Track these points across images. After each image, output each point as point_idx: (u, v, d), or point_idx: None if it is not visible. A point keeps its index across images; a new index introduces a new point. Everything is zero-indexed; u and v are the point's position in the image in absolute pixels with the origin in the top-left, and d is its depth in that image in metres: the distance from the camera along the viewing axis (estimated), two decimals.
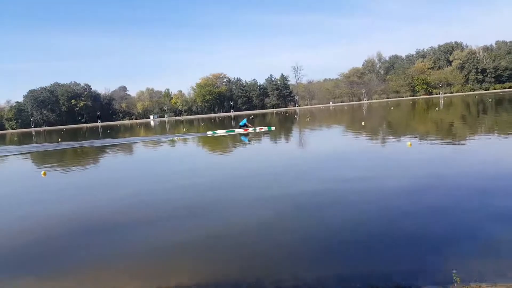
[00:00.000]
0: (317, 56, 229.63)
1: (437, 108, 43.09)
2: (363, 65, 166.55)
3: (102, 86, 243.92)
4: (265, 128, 27.41)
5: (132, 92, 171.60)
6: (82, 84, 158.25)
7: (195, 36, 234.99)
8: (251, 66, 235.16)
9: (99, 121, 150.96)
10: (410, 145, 13.03)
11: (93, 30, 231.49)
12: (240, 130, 27.19)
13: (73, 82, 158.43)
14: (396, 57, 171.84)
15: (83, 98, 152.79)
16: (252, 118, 33.17)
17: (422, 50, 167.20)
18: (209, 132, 28.20)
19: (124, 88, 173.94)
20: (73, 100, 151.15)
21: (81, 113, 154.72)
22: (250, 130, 26.87)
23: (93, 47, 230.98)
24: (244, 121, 28.52)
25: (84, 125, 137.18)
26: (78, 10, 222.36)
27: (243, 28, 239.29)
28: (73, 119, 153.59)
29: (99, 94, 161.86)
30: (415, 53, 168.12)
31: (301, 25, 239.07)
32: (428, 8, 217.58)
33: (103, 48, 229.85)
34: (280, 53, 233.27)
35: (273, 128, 27.90)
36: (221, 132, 27.45)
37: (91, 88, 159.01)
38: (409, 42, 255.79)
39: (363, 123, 26.54)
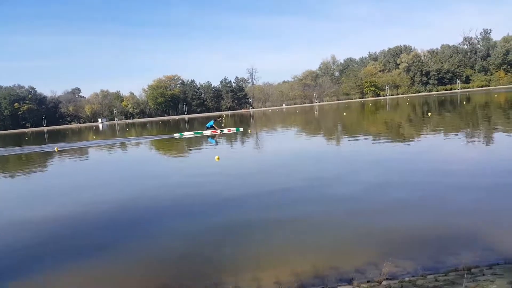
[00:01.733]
0: (274, 59, 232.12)
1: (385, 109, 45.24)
2: (319, 67, 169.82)
3: (52, 89, 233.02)
4: (233, 130, 27.25)
5: (86, 94, 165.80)
6: (26, 87, 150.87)
7: (152, 37, 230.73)
8: (206, 68, 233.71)
9: (44, 125, 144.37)
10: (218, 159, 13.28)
11: (45, 28, 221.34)
12: (208, 132, 26.82)
13: (16, 85, 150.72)
14: (350, 59, 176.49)
15: (27, 102, 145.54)
16: (220, 120, 32.79)
17: (374, 53, 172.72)
18: (176, 134, 27.74)
19: (78, 90, 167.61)
20: (16, 104, 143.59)
21: (25, 117, 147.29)
22: (218, 131, 26.61)
23: (42, 47, 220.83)
24: (211, 122, 28.01)
25: (29, 129, 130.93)
26: (31, 7, 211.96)
27: (200, 29, 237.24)
28: (17, 124, 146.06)
29: (45, 97, 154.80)
30: (367, 56, 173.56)
31: (259, 28, 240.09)
32: (385, 12, 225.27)
33: (55, 48, 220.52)
34: (237, 55, 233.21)
35: (241, 129, 27.61)
36: (188, 134, 27.03)
37: (36, 91, 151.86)
38: (365, 45, 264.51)
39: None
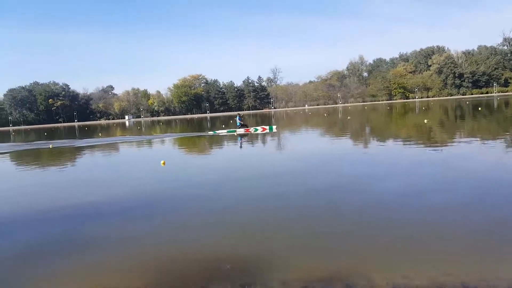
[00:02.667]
0: (299, 59, 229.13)
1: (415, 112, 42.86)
2: (347, 68, 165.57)
3: (84, 86, 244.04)
4: (267, 128, 26.75)
5: (119, 91, 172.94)
6: (60, 84, 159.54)
7: (182, 36, 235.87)
8: (230, 67, 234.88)
9: (76, 120, 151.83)
10: None
11: (89, 27, 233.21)
12: (241, 130, 26.52)
13: (52, 82, 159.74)
14: (380, 60, 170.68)
15: (60, 98, 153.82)
16: (242, 116, 31.76)
17: (405, 53, 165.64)
18: (209, 132, 28.10)
19: (110, 88, 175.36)
20: (50, 100, 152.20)
21: (58, 113, 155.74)
22: (251, 130, 26.25)
23: (81, 45, 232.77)
24: (238, 118, 28.14)
25: (61, 124, 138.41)
26: (75, 8, 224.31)
27: (226, 29, 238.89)
28: (51, 118, 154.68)
29: (77, 94, 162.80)
30: (398, 56, 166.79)
31: (284, 27, 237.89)
32: (417, 10, 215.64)
33: (93, 46, 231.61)
34: (261, 55, 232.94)
35: (274, 128, 27.09)
36: (222, 132, 27.20)
37: (69, 88, 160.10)
38: (396, 45, 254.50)
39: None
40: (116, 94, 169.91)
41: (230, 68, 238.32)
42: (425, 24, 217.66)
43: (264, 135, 23.28)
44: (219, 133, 26.80)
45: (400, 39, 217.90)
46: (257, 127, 26.95)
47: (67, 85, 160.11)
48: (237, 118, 28.36)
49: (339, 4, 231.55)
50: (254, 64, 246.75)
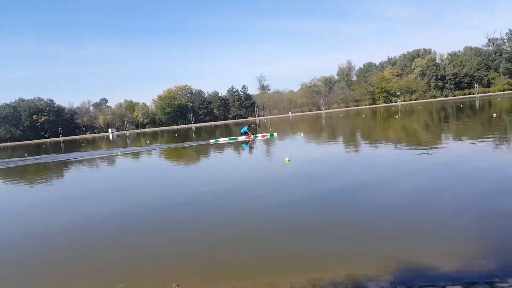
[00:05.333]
0: (288, 66, 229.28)
1: (397, 116, 42.52)
2: (337, 73, 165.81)
3: (69, 100, 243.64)
4: (267, 135, 27.89)
5: (112, 104, 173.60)
6: (45, 99, 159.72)
7: (170, 46, 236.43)
8: (218, 76, 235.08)
9: (61, 135, 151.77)
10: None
11: (86, 38, 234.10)
12: (242, 138, 27.60)
13: (36, 98, 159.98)
14: (370, 64, 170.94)
15: (45, 113, 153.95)
16: (253, 126, 33.47)
17: (394, 57, 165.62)
18: (211, 140, 29.00)
19: (104, 100, 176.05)
20: (34, 116, 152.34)
21: (43, 128, 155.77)
22: (252, 137, 27.20)
23: (72, 58, 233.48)
24: (245, 128, 28.76)
25: (47, 140, 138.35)
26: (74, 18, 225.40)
27: (215, 39, 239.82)
28: (37, 134, 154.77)
29: (63, 109, 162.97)
30: (387, 60, 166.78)
31: (270, 34, 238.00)
32: (408, 12, 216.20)
33: (85, 60, 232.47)
34: (247, 63, 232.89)
35: (275, 134, 28.07)
36: (223, 140, 28.20)
37: (54, 103, 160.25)
38: (386, 48, 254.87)
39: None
40: (110, 107, 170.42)
41: (217, 77, 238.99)
42: (416, 26, 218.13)
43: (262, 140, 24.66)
44: (221, 141, 27.80)
45: (390, 42, 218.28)
46: (257, 135, 28.08)
47: (52, 101, 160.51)
48: (245, 127, 28.99)
49: (329, 8, 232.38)
50: (241, 73, 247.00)
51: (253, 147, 21.12)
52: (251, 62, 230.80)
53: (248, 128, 28.53)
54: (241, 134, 28.23)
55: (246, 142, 24.55)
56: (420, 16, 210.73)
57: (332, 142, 20.02)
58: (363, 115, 54.95)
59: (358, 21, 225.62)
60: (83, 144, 55.85)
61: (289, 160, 13.08)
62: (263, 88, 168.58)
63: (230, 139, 28.07)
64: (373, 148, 15.46)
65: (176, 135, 54.74)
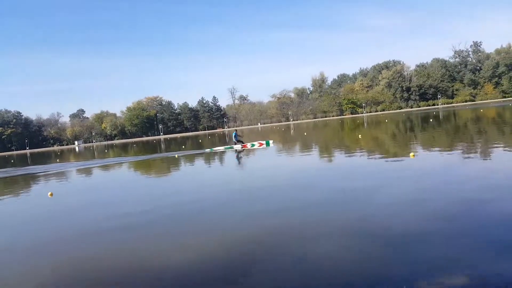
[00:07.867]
0: (260, 77, 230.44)
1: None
2: (312, 84, 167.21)
3: (37, 113, 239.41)
4: (264, 143, 27.28)
5: (89, 114, 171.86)
6: (12, 111, 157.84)
7: (145, 57, 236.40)
8: (192, 88, 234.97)
9: (27, 148, 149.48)
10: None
11: (61, 49, 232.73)
12: (238, 146, 26.84)
13: (3, 110, 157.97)
14: (343, 75, 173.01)
15: (11, 126, 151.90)
16: (241, 134, 32.12)
17: (366, 68, 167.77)
18: (207, 150, 28.31)
19: (82, 111, 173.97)
20: (0, 128, 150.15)
21: (10, 141, 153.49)
22: (248, 146, 26.62)
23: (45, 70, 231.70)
24: (234, 133, 28.28)
25: (13, 152, 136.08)
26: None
27: (182, 49, 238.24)
28: (4, 146, 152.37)
29: (31, 121, 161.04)
30: (359, 71, 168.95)
31: (244, 45, 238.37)
32: (384, 23, 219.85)
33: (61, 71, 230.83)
34: (220, 75, 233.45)
35: (271, 142, 27.62)
36: (218, 149, 27.51)
37: (21, 115, 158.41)
38: (359, 60, 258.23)
39: None
40: (87, 118, 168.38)
41: (190, 89, 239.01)
42: (394, 37, 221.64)
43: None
44: (216, 150, 27.19)
45: (365, 54, 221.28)
46: (253, 143, 27.53)
47: (19, 113, 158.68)
48: (234, 134, 28.39)
49: (310, 19, 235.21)
50: (214, 85, 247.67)
51: (241, 157, 20.66)
52: (224, 74, 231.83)
53: (236, 134, 28.16)
54: (235, 143, 27.59)
55: (239, 152, 24.03)
56: (399, 27, 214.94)
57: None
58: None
59: (336, 32, 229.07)
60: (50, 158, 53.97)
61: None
62: (235, 99, 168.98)
63: (225, 148, 27.63)
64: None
65: (134, 145, 53.02)
